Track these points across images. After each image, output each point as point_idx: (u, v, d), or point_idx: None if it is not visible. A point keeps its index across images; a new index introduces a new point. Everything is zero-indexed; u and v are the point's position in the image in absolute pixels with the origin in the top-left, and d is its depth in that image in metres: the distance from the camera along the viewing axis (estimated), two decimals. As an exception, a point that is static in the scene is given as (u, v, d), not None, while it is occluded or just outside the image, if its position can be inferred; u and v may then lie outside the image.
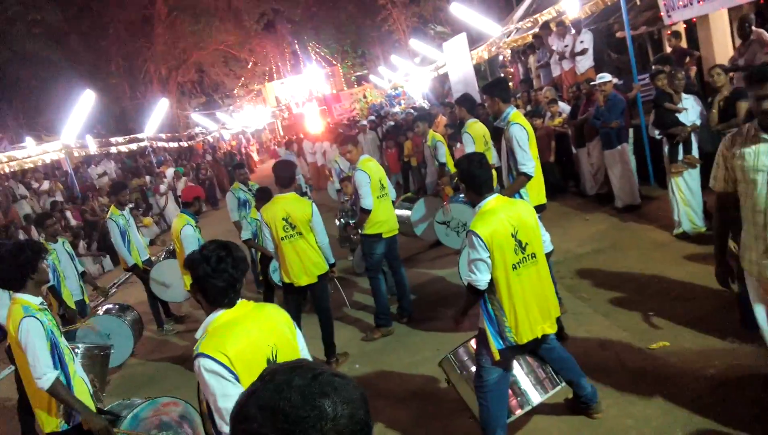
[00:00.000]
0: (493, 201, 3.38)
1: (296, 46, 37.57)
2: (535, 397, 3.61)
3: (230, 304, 2.43)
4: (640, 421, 3.58)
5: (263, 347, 2.37)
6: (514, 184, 4.85)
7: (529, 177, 4.77)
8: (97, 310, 6.94)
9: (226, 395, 2.24)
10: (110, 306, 6.98)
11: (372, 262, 5.85)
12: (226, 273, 2.35)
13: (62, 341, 3.16)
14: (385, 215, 5.79)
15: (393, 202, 6.05)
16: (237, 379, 2.26)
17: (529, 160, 4.76)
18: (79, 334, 5.74)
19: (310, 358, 2.60)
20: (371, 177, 5.63)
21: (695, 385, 3.76)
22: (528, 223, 3.40)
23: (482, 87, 5.87)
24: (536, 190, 5.03)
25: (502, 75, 16.59)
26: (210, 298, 2.41)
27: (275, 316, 2.51)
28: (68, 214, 13.89)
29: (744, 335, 4.18)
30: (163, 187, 16.79)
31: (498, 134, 5.63)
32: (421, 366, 5.00)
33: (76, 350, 4.30)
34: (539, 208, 4.90)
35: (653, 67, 7.81)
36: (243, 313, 2.43)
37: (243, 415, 0.97)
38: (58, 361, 3.11)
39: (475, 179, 3.40)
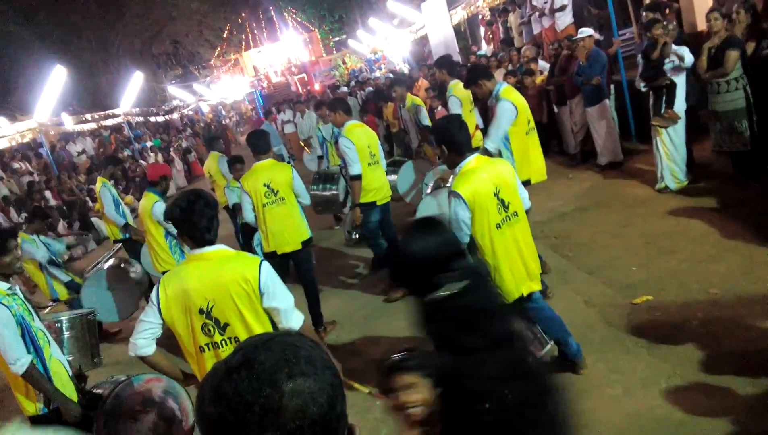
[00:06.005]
0: (473, 160, 3.33)
1: (272, 12, 36.71)
2: None
3: (208, 242, 2.61)
4: (625, 375, 3.62)
5: (196, 299, 2.56)
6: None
7: (488, 154, 4.56)
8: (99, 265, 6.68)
9: (143, 315, 2.66)
10: (112, 262, 6.71)
11: (368, 229, 5.80)
12: (200, 213, 2.56)
13: (35, 325, 3.10)
14: (377, 182, 5.68)
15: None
16: (160, 313, 2.59)
17: (496, 137, 4.63)
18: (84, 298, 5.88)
19: (285, 308, 2.72)
20: (356, 143, 5.50)
21: (679, 337, 3.80)
22: (509, 181, 3.38)
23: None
24: (535, 167, 4.87)
25: (483, 34, 16.34)
26: (193, 237, 2.60)
27: (228, 272, 2.57)
28: (47, 194, 13.65)
29: (726, 286, 4.23)
30: (145, 164, 16.53)
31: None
32: (409, 330, 4.99)
33: (59, 324, 4.19)
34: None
35: (643, 14, 7.58)
36: (200, 260, 2.61)
37: (200, 394, 0.89)
38: (31, 345, 3.06)
39: (456, 141, 3.34)
